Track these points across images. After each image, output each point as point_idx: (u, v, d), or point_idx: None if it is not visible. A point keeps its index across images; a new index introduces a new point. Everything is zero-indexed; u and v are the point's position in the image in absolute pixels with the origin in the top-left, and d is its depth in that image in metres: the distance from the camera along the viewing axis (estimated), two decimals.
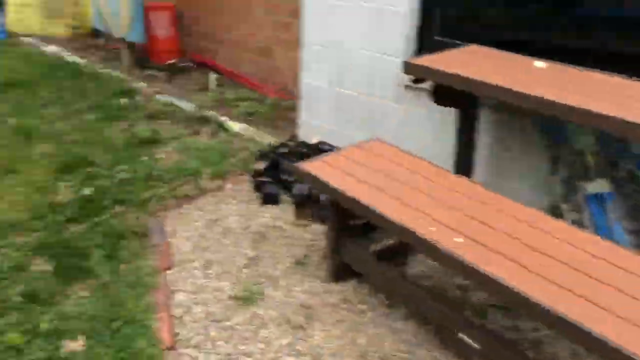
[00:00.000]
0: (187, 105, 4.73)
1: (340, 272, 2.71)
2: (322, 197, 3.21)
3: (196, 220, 3.23)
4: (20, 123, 4.25)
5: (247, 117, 4.57)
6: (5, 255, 2.80)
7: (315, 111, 3.84)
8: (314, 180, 2.58)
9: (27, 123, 4.25)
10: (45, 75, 5.20)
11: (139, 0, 5.06)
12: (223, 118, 4.49)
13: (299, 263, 2.83)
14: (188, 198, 3.42)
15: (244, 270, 2.81)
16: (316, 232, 3.08)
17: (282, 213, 3.29)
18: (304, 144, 3.74)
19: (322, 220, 3.13)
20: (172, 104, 4.73)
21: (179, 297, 2.61)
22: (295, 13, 4.77)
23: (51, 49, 6.07)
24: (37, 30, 6.54)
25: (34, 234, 2.98)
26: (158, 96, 4.87)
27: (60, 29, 6.54)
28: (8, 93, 4.82)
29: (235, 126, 4.38)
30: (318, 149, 3.63)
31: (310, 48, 3.72)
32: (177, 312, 2.51)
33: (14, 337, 2.29)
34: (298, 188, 3.29)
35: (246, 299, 2.58)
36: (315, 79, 3.76)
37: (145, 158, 3.77)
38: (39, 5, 6.48)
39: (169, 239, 3.04)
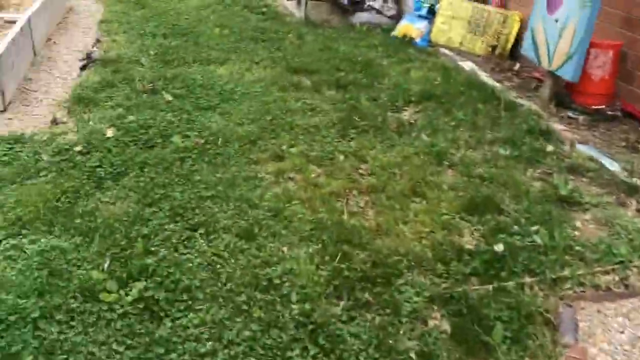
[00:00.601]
0: (611, 164, 3.99)
1: None
2: None
3: (619, 328, 2.56)
4: (431, 142, 4.16)
5: None
6: (404, 296, 2.64)
7: None
8: None
9: (437, 143, 4.14)
10: (460, 93, 5.07)
11: (587, 36, 4.46)
12: None
13: None
14: (611, 293, 2.77)
15: None
16: None
17: None
18: None
19: None
20: (593, 159, 4.05)
21: None
22: None
23: (467, 65, 5.97)
24: (456, 44, 6.56)
25: (437, 279, 2.77)
26: (579, 145, 4.24)
27: (478, 46, 6.43)
28: (423, 106, 4.83)
29: None
30: None
31: None
32: None
33: None
34: None
35: None
36: None
37: (564, 223, 3.22)
38: (467, 19, 6.46)
39: (584, 344, 2.46)
